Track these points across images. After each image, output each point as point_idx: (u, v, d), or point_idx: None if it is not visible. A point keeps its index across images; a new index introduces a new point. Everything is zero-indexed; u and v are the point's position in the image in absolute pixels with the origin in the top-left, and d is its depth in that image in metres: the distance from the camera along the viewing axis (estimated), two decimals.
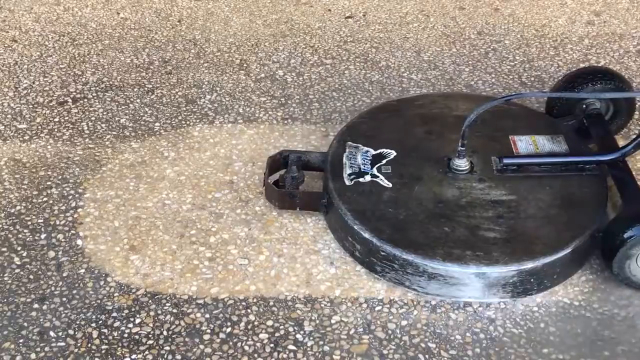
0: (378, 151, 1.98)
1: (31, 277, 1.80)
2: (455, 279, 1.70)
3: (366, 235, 1.76)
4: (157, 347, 1.63)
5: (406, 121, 2.11)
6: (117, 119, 2.35)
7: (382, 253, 1.74)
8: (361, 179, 1.89)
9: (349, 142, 2.01)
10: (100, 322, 1.69)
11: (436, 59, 2.67)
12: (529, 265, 1.69)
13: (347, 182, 1.89)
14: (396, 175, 1.91)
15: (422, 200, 1.84)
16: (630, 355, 1.62)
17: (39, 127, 2.31)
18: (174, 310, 1.71)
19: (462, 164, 1.90)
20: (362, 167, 1.93)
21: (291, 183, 1.94)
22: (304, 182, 1.98)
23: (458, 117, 2.07)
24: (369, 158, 1.96)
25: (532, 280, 1.71)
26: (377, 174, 1.91)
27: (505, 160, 1.92)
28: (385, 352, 1.62)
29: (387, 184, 1.88)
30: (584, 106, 2.11)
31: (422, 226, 1.78)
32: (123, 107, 2.41)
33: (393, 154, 1.97)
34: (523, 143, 1.99)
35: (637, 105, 2.24)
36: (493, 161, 1.93)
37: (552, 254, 1.71)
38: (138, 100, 2.44)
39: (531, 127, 2.07)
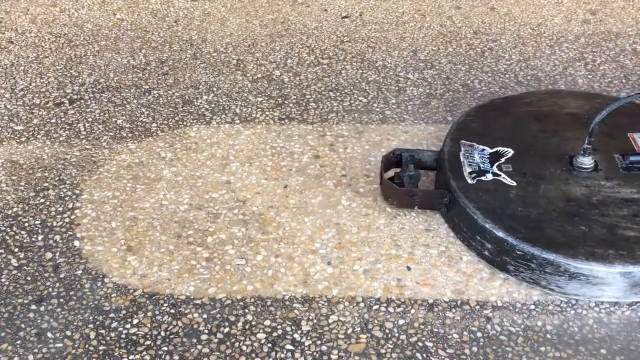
0: (494, 149, 1.96)
1: (28, 278, 1.79)
2: (598, 278, 1.67)
3: (500, 234, 1.73)
4: (154, 348, 1.63)
5: (517, 119, 2.10)
6: (114, 120, 2.35)
7: (518, 252, 1.71)
8: (483, 177, 1.88)
9: (463, 141, 1.99)
10: (98, 323, 1.68)
11: (432, 59, 2.67)
12: None
13: (470, 181, 1.87)
14: (518, 173, 1.89)
15: (550, 199, 1.82)
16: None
17: (36, 128, 2.31)
18: (172, 311, 1.71)
19: (586, 161, 1.88)
20: (481, 165, 1.91)
21: (409, 182, 1.93)
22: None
23: (570, 115, 2.07)
24: (486, 156, 1.94)
25: None
26: (499, 172, 1.89)
27: (632, 158, 1.91)
28: (382, 351, 1.62)
29: (510, 182, 1.86)
30: None
31: (556, 225, 1.75)
32: (120, 108, 2.41)
33: (510, 152, 1.96)
34: None
35: None
36: (616, 159, 1.92)
37: None
38: (135, 101, 2.44)
39: None
